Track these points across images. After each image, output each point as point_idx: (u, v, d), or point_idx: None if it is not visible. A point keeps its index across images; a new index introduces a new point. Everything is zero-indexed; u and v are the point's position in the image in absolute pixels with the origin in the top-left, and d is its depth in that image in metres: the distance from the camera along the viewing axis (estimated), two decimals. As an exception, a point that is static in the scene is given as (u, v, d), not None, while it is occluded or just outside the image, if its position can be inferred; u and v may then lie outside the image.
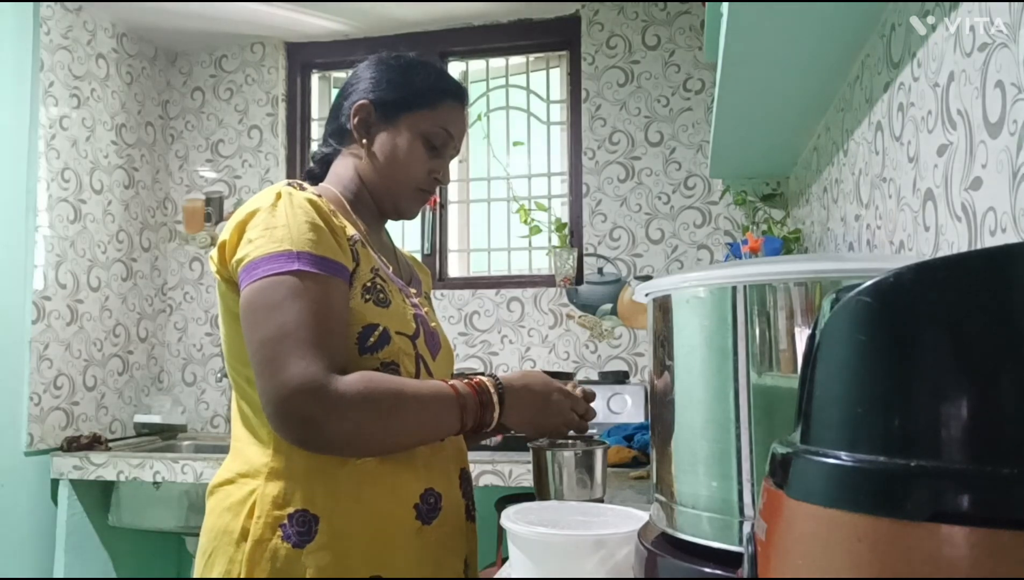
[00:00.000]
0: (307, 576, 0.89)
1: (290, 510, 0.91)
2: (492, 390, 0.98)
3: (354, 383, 0.87)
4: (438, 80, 1.10)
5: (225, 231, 0.96)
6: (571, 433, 1.11)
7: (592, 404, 1.12)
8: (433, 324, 1.10)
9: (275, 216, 0.92)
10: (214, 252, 0.97)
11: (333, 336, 0.89)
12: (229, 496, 0.95)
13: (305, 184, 1.02)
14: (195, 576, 0.97)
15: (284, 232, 0.90)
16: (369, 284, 0.97)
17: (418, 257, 2.84)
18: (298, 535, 0.90)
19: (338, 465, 0.93)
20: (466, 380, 0.98)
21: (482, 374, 1.02)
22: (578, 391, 1.09)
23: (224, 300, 0.98)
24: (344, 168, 1.09)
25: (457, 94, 1.11)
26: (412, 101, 1.07)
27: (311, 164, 1.16)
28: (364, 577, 0.92)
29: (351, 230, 0.99)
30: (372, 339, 0.95)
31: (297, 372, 0.85)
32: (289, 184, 0.98)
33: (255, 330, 0.88)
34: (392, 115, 1.06)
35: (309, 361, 0.85)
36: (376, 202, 1.10)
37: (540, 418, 1.04)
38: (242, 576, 0.90)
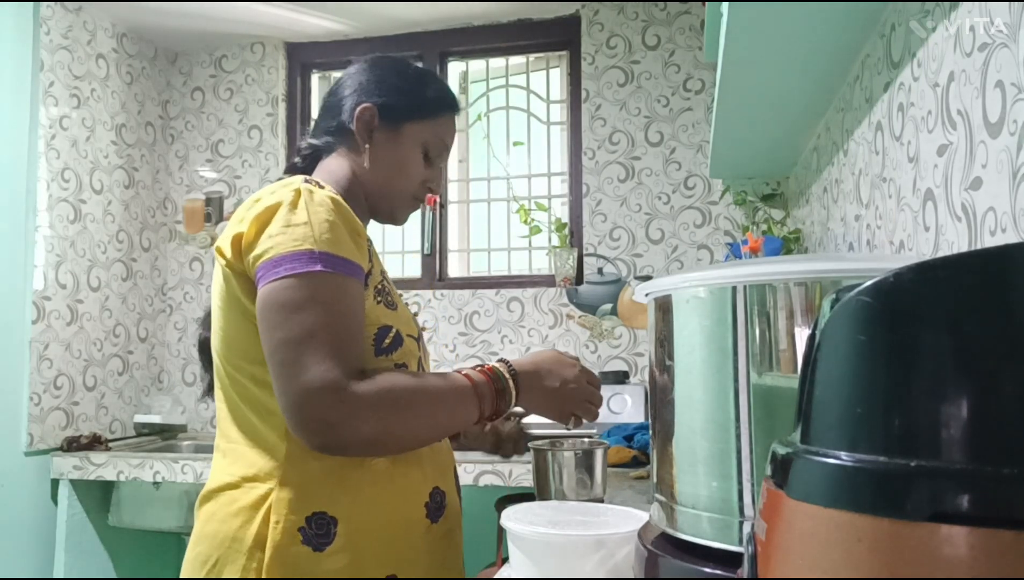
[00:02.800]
0: (326, 578, 0.89)
1: (308, 513, 0.90)
2: (506, 375, 0.97)
3: (372, 385, 0.86)
4: (442, 92, 1.11)
5: (241, 223, 0.92)
6: (570, 428, 1.09)
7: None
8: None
9: (296, 213, 0.90)
10: (225, 244, 0.93)
11: (352, 338, 0.89)
12: (235, 501, 0.92)
13: (322, 182, 0.99)
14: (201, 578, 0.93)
15: (305, 230, 0.88)
16: (380, 286, 0.98)
17: (418, 257, 2.84)
18: (317, 538, 0.89)
19: (353, 466, 0.92)
20: (478, 368, 0.97)
21: (495, 361, 1.01)
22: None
23: (231, 294, 0.94)
24: (339, 167, 1.08)
25: (455, 106, 1.13)
26: (417, 111, 1.07)
27: (296, 158, 1.13)
28: (380, 577, 0.92)
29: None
30: (387, 341, 0.95)
31: (317, 375, 0.84)
32: (307, 180, 0.95)
33: (274, 330, 0.87)
34: (397, 122, 1.06)
35: (329, 364, 0.84)
36: (371, 205, 1.09)
37: (558, 400, 1.03)
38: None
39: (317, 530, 0.89)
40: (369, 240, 0.99)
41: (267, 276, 0.88)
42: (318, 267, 0.87)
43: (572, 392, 1.03)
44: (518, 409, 1.02)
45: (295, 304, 0.86)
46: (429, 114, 1.08)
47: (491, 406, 0.95)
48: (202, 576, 0.92)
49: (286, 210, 0.90)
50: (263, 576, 0.88)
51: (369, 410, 0.85)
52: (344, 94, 1.09)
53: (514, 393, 0.97)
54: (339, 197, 0.95)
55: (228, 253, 0.93)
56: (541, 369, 1.01)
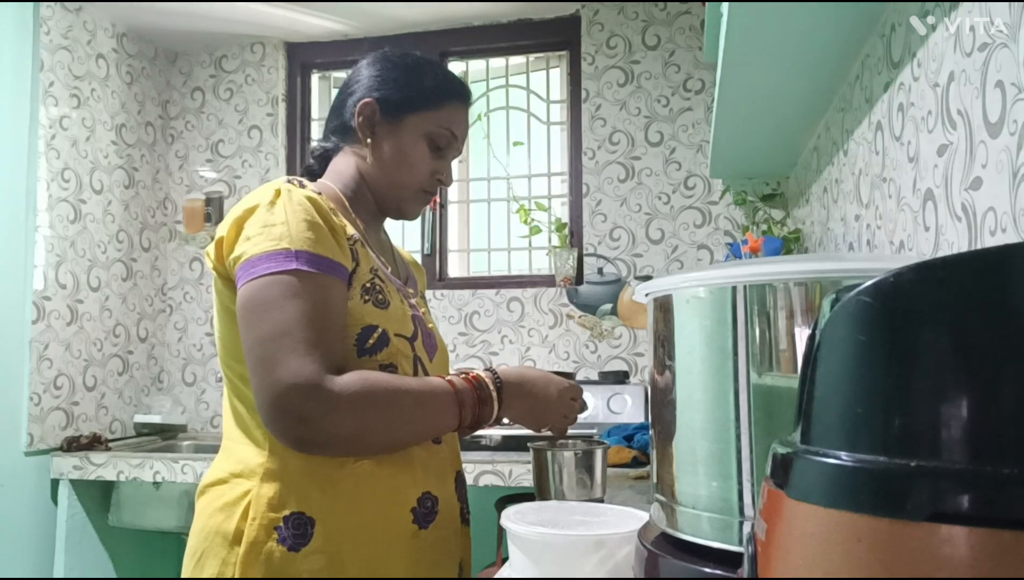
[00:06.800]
0: (300, 579, 0.88)
1: (286, 512, 0.89)
2: (491, 385, 0.98)
3: (351, 382, 0.86)
4: (444, 80, 1.09)
5: (223, 226, 0.94)
6: (570, 432, 1.11)
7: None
8: (430, 325, 1.09)
9: (273, 213, 0.91)
10: (211, 247, 0.96)
11: (330, 336, 0.89)
12: (221, 496, 0.93)
13: (304, 181, 1.00)
14: (185, 578, 0.95)
15: (283, 230, 0.89)
16: (368, 285, 0.97)
17: (418, 257, 2.84)
18: (293, 538, 0.89)
19: (335, 467, 0.92)
20: (464, 375, 0.98)
21: (481, 370, 1.02)
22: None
23: (220, 296, 0.97)
24: (345, 165, 1.08)
25: (462, 95, 1.10)
26: (417, 101, 1.06)
27: (310, 160, 1.14)
28: None
29: (351, 229, 0.98)
30: (371, 341, 0.94)
31: (293, 370, 0.84)
32: (289, 181, 0.97)
33: (251, 328, 0.88)
34: (397, 115, 1.05)
35: (306, 360, 0.84)
36: (378, 202, 1.09)
37: (539, 414, 1.04)
38: (236, 578, 0.88)
39: (294, 530, 0.89)
40: (359, 238, 0.99)
41: (245, 276, 0.89)
42: (294, 265, 0.88)
43: (552, 409, 1.05)
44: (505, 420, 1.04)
45: (271, 302, 0.87)
46: (430, 104, 1.06)
47: (472, 414, 0.96)
48: (190, 569, 0.93)
49: (264, 210, 0.92)
50: (237, 570, 0.88)
51: (346, 407, 0.85)
52: (348, 92, 1.09)
53: (497, 404, 0.98)
54: (317, 196, 0.95)
55: (213, 256, 0.96)
56: (526, 384, 1.02)
